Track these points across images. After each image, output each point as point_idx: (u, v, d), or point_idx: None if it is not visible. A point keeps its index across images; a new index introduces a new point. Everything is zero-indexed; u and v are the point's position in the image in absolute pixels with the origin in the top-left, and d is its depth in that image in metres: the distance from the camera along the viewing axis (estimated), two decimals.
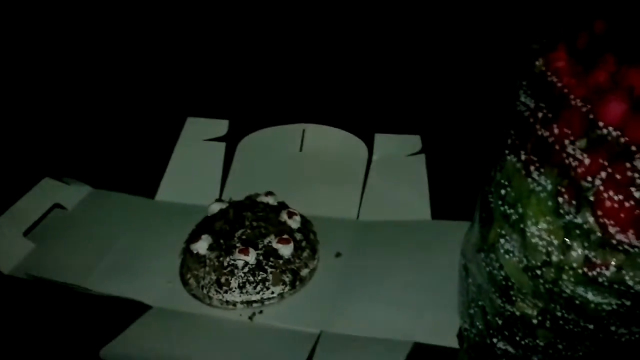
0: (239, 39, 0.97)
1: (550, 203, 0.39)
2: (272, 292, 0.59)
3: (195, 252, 0.60)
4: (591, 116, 0.36)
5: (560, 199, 0.38)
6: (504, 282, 0.43)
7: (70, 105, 0.88)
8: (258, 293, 0.58)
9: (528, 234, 0.41)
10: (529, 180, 0.40)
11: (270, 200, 0.66)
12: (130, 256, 0.65)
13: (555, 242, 0.39)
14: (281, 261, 0.59)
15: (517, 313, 0.43)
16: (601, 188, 0.36)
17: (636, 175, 0.35)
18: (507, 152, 0.43)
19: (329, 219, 0.67)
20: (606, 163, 0.36)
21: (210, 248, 0.60)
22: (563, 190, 0.38)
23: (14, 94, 0.89)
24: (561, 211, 0.38)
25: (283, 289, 0.59)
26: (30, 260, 0.65)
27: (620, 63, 0.38)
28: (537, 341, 0.43)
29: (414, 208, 0.68)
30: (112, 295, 0.60)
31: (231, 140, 0.78)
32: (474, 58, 0.86)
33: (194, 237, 0.62)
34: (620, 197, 0.35)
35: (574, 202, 0.38)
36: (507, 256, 0.43)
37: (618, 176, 0.35)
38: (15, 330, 0.57)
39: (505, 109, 0.45)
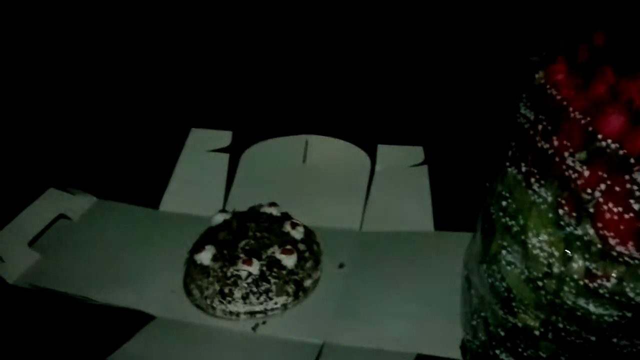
0: (243, 51, 0.98)
1: (550, 215, 0.39)
2: (276, 303, 0.59)
3: (198, 262, 0.61)
4: (590, 128, 0.36)
5: (560, 211, 0.39)
6: (506, 294, 0.44)
7: (75, 116, 0.88)
8: (261, 304, 0.59)
9: (529, 246, 0.41)
10: (530, 192, 0.41)
11: (274, 211, 0.66)
12: (134, 266, 0.65)
13: (556, 253, 0.39)
14: (284, 272, 0.60)
15: (520, 324, 0.43)
16: (601, 200, 0.36)
17: (635, 187, 0.35)
18: (508, 163, 0.44)
19: (332, 230, 0.67)
20: (606, 175, 0.36)
21: (214, 259, 0.60)
22: (563, 202, 0.38)
23: (19, 104, 0.90)
24: (562, 223, 0.39)
25: (286, 300, 0.59)
26: (35, 270, 0.65)
27: (619, 76, 0.38)
28: (540, 353, 0.43)
29: (416, 219, 0.68)
30: (116, 306, 0.60)
31: (235, 151, 0.79)
32: (475, 70, 0.86)
33: (198, 247, 0.62)
34: (620, 209, 0.36)
35: (574, 214, 0.38)
36: (509, 267, 0.43)
37: (617, 188, 0.35)
38: (18, 340, 0.57)
39: (506, 121, 0.45)
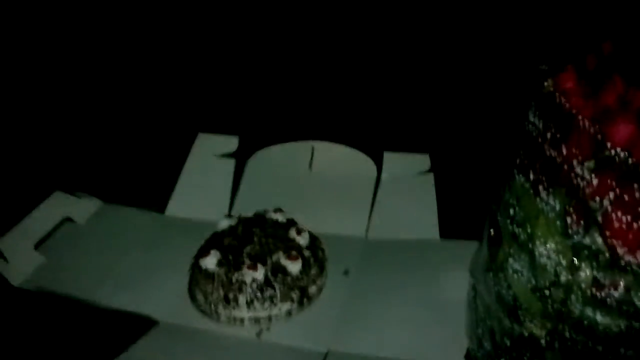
0: (250, 56, 0.98)
1: (558, 223, 0.39)
2: (280, 309, 0.59)
3: (203, 267, 0.60)
4: (599, 137, 0.36)
5: (568, 219, 0.38)
6: (512, 302, 0.43)
7: (82, 120, 0.89)
8: (266, 310, 0.58)
9: (537, 254, 0.41)
10: (538, 200, 0.40)
11: (279, 217, 0.66)
12: (139, 271, 0.65)
13: (564, 262, 0.39)
14: (289, 278, 0.59)
15: (526, 334, 0.43)
16: (609, 209, 0.36)
17: None
18: (516, 171, 0.43)
19: (337, 237, 0.67)
20: (614, 184, 0.36)
21: (219, 264, 0.60)
22: (571, 210, 0.38)
23: (26, 108, 0.90)
24: (569, 231, 0.38)
25: (291, 306, 0.59)
26: (40, 273, 0.65)
27: (628, 85, 0.38)
28: None
29: (422, 227, 0.68)
30: (120, 310, 0.60)
31: (241, 157, 0.79)
32: (483, 78, 0.86)
33: (203, 252, 0.62)
34: (629, 218, 0.35)
35: (582, 222, 0.38)
36: (515, 276, 0.43)
37: (626, 197, 0.35)
38: (23, 343, 0.58)
39: (515, 129, 0.45)
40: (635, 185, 0.35)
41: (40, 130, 0.86)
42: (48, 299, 0.62)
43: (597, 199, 0.37)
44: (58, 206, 0.72)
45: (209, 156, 0.79)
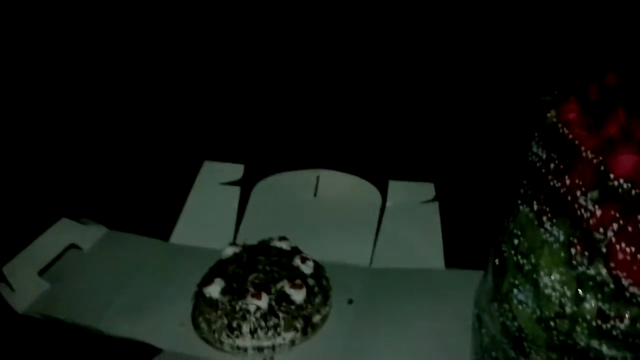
0: (257, 85, 0.99)
1: (562, 254, 0.39)
2: (284, 338, 0.58)
3: (207, 295, 0.60)
4: (603, 168, 0.36)
5: (572, 250, 0.38)
6: (517, 333, 0.43)
7: (90, 147, 0.89)
8: (269, 339, 0.58)
9: (541, 285, 0.41)
10: (542, 230, 0.40)
11: (284, 245, 0.66)
12: (144, 298, 0.65)
13: (569, 293, 0.39)
14: (293, 307, 0.59)
15: None
16: (613, 240, 0.36)
17: None
18: (520, 202, 0.43)
19: (342, 265, 0.67)
20: (618, 215, 0.36)
21: (223, 292, 0.60)
22: (575, 241, 0.38)
23: (34, 134, 0.91)
24: (574, 262, 0.38)
25: (294, 335, 0.59)
26: (45, 299, 0.65)
27: (631, 116, 0.38)
28: None
29: (427, 256, 0.68)
30: (124, 337, 0.60)
31: (246, 185, 0.79)
32: (488, 109, 0.87)
33: (207, 280, 0.62)
34: (633, 249, 0.35)
35: (586, 253, 0.38)
36: (520, 307, 0.43)
37: (630, 228, 0.35)
38: None
39: (518, 159, 0.45)
40: (639, 217, 0.35)
41: (48, 157, 0.87)
42: (52, 326, 0.62)
43: (601, 229, 0.36)
44: (64, 233, 0.72)
45: (214, 184, 0.80)
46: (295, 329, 0.59)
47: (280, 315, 0.58)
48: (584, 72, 0.44)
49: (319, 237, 0.70)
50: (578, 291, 0.38)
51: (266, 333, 0.58)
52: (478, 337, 0.50)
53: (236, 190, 0.79)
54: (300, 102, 0.96)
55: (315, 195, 0.78)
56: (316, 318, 0.60)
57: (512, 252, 0.43)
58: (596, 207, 0.37)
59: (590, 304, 0.38)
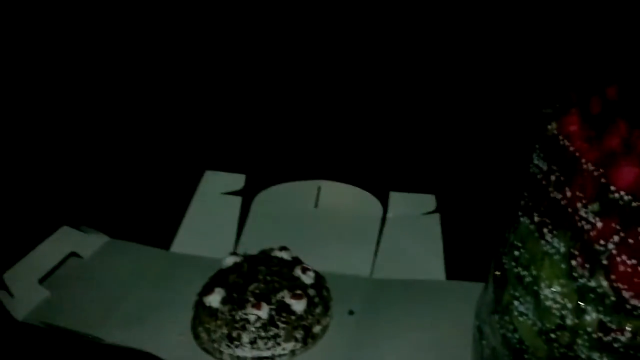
0: (258, 95, 0.99)
1: (563, 266, 0.39)
2: (284, 349, 0.58)
3: (207, 305, 0.60)
4: (604, 180, 0.36)
5: (573, 262, 0.38)
6: (518, 345, 0.43)
7: (91, 155, 0.90)
8: (269, 349, 0.58)
9: (542, 297, 0.41)
10: (543, 242, 0.41)
11: (285, 255, 0.66)
12: (143, 307, 0.65)
13: (569, 305, 0.39)
14: (294, 317, 0.59)
15: None
16: (614, 252, 0.36)
17: None
18: (520, 213, 0.44)
19: (342, 276, 0.67)
20: (619, 227, 0.36)
21: (223, 301, 0.60)
22: (576, 253, 0.38)
23: (34, 141, 0.91)
24: (574, 274, 0.38)
25: (294, 346, 0.59)
26: (45, 308, 0.65)
27: (632, 128, 0.38)
28: None
29: (428, 267, 0.68)
30: (124, 346, 0.60)
31: (247, 195, 0.79)
32: (489, 120, 0.87)
33: (207, 290, 0.62)
34: (634, 261, 0.35)
35: (587, 265, 0.38)
36: (521, 318, 0.43)
37: (631, 240, 0.35)
38: None
39: (519, 171, 0.45)
40: None
41: (49, 165, 0.87)
42: (52, 334, 0.61)
43: (602, 242, 0.37)
44: (64, 241, 0.72)
45: (215, 193, 0.80)
46: (296, 340, 0.58)
47: (281, 325, 0.58)
48: (584, 84, 0.44)
49: (320, 248, 0.70)
50: (579, 303, 0.38)
51: (266, 343, 0.58)
52: (479, 348, 0.50)
53: (237, 200, 0.79)
54: (302, 112, 0.96)
55: (316, 205, 0.78)
56: (316, 328, 0.60)
57: (513, 263, 0.43)
58: (597, 219, 0.37)
59: (591, 316, 0.38)
